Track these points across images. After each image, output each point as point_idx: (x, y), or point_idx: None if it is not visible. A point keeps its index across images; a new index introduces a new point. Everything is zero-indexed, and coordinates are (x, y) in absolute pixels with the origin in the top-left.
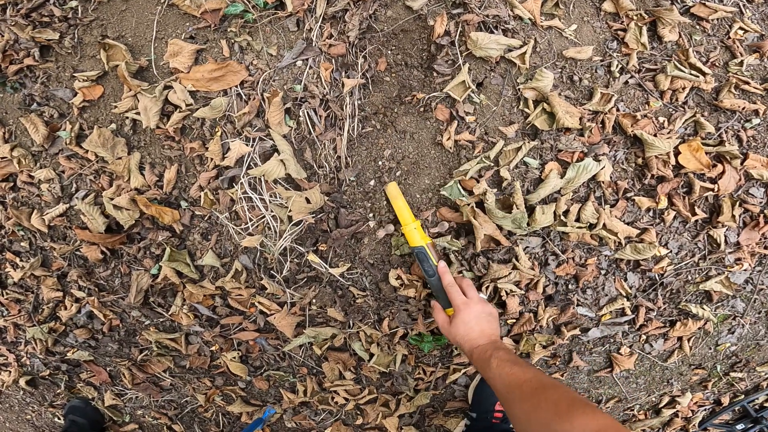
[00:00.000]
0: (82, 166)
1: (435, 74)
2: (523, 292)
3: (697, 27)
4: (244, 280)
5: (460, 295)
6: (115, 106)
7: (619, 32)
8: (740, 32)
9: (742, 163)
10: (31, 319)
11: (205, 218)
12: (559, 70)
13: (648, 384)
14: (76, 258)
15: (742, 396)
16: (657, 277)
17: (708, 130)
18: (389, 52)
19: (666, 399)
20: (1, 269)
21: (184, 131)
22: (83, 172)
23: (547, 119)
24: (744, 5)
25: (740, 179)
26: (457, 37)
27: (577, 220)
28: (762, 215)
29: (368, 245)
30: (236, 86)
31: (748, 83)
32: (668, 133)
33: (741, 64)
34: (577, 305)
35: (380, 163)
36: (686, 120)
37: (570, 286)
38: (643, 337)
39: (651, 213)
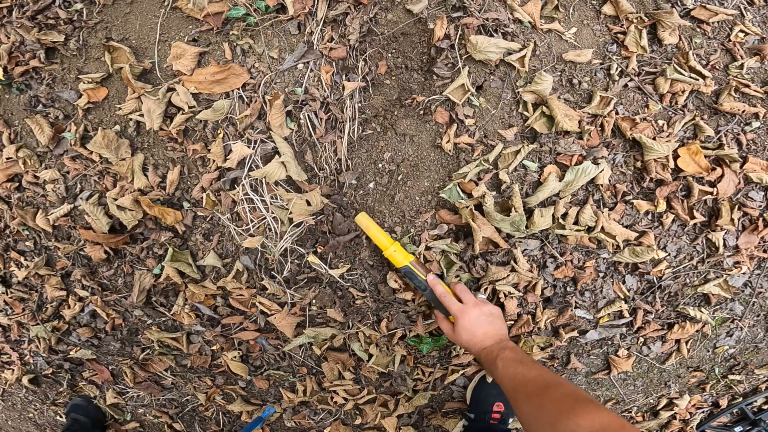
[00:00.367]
0: (87, 167)
1: (435, 77)
2: (521, 294)
3: (698, 30)
4: (245, 281)
5: (455, 303)
6: (120, 108)
7: (618, 35)
8: (741, 35)
9: (741, 167)
10: (34, 318)
11: (207, 219)
12: (559, 73)
13: (646, 386)
14: (80, 257)
15: (741, 398)
16: (655, 280)
17: (707, 133)
18: (389, 55)
19: (664, 401)
20: (6, 268)
21: (187, 133)
22: (87, 173)
23: (546, 122)
24: (745, 8)
25: (739, 183)
26: (456, 40)
27: (576, 223)
28: (761, 219)
29: (368, 247)
30: (238, 89)
31: (748, 86)
32: (667, 136)
33: (741, 67)
34: (575, 307)
35: (380, 165)
36: (686, 123)
37: (568, 289)
38: (641, 339)
39: (649, 216)
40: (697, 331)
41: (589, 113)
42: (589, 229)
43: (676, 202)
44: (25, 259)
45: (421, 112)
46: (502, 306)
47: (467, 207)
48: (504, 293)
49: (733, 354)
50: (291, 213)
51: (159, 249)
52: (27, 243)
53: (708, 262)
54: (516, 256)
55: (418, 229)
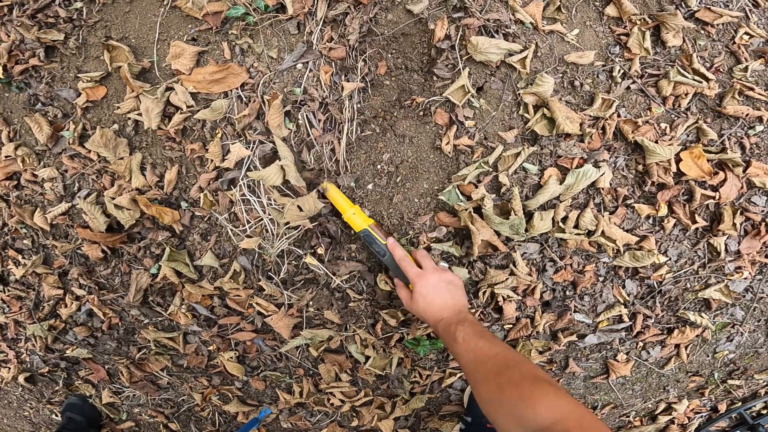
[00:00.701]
0: (85, 166)
1: (435, 78)
2: (520, 297)
3: (702, 32)
4: (242, 281)
5: (414, 267)
6: (118, 107)
7: (621, 37)
8: (746, 37)
9: (744, 171)
10: (31, 317)
11: (205, 219)
12: (560, 75)
13: (644, 391)
14: (78, 256)
15: (740, 403)
16: (655, 285)
17: (710, 137)
18: (389, 55)
19: (662, 405)
20: (4, 266)
21: (185, 132)
22: (86, 172)
23: (547, 125)
24: (750, 10)
25: (742, 187)
26: (457, 41)
27: (576, 226)
28: (763, 224)
29: (365, 249)
30: (237, 88)
31: (752, 89)
32: (670, 139)
33: (746, 69)
34: (575, 311)
35: (379, 166)
36: (688, 126)
37: (567, 293)
38: (640, 344)
39: (650, 220)
40: (697, 336)
41: (590, 116)
42: (590, 233)
43: (677, 206)
44: (23, 258)
45: (421, 113)
46: (500, 309)
47: (466, 209)
48: (503, 296)
49: (733, 359)
50: (284, 217)
51: (156, 248)
52: (25, 241)
53: (709, 267)
54: (515, 260)
55: (416, 231)
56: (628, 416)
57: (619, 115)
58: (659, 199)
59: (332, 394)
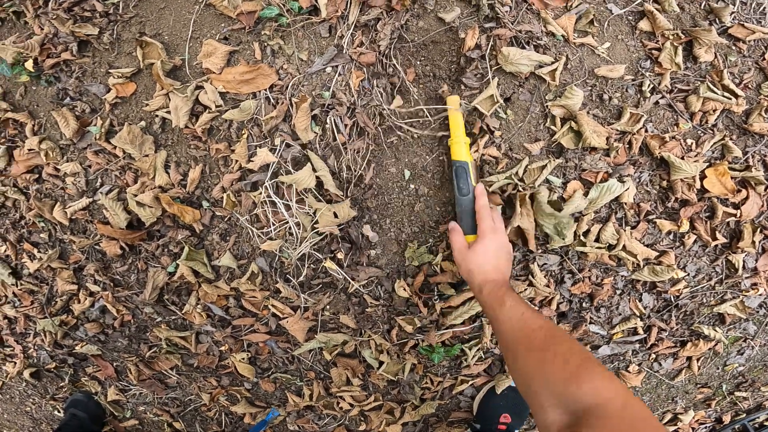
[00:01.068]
0: (109, 162)
1: (463, 87)
2: (537, 308)
3: (733, 48)
4: (259, 283)
5: (491, 221)
6: (147, 104)
7: (653, 51)
8: None
9: (766, 189)
10: (43, 311)
11: (225, 219)
12: (589, 88)
13: (653, 401)
14: (95, 252)
15: (744, 414)
16: (672, 299)
17: (735, 154)
18: (418, 62)
19: (668, 416)
20: (18, 259)
21: (211, 132)
22: (109, 168)
23: (573, 138)
24: None
25: (763, 205)
26: (487, 51)
27: (597, 240)
28: None
29: (384, 255)
30: (265, 90)
31: None
32: (695, 156)
33: None
34: (590, 323)
35: (402, 173)
36: (714, 143)
37: (584, 304)
38: (653, 355)
39: (671, 236)
40: (709, 349)
41: (617, 130)
42: (610, 247)
43: (699, 222)
44: (38, 251)
45: (447, 121)
46: None
47: (524, 192)
48: None
49: (742, 372)
50: (317, 223)
51: (175, 247)
52: (42, 235)
53: (726, 283)
54: (533, 271)
55: (436, 239)
56: None
57: (646, 130)
58: (682, 216)
59: (342, 397)
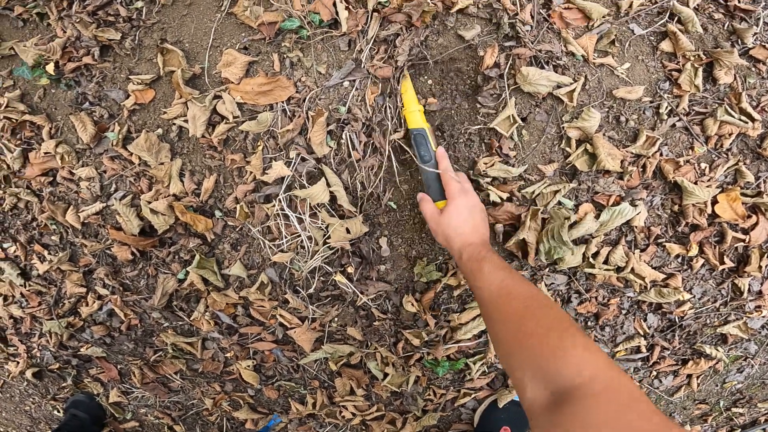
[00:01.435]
0: (124, 168)
1: (479, 106)
2: None
3: (753, 69)
4: (268, 293)
5: (458, 183)
6: (165, 112)
7: (673, 72)
8: None
9: None
10: (50, 313)
11: (237, 229)
12: (606, 110)
13: None
14: (105, 256)
15: (739, 430)
16: (677, 319)
17: (747, 179)
18: (435, 80)
19: None
20: (28, 260)
21: (227, 142)
22: (124, 174)
23: (587, 160)
24: None
25: None
26: (506, 69)
27: (605, 262)
28: None
29: (393, 270)
30: (283, 102)
31: None
32: (708, 180)
33: None
34: (594, 341)
35: (415, 191)
36: (728, 168)
37: (589, 323)
38: (654, 372)
39: (679, 259)
40: (710, 367)
41: (632, 153)
42: (619, 269)
43: (708, 246)
44: (49, 253)
45: (461, 139)
46: None
47: (537, 208)
48: None
49: (740, 389)
50: (329, 238)
51: (185, 254)
52: (53, 237)
53: (730, 305)
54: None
55: (446, 257)
56: None
57: (661, 154)
58: (692, 240)
59: (345, 407)
